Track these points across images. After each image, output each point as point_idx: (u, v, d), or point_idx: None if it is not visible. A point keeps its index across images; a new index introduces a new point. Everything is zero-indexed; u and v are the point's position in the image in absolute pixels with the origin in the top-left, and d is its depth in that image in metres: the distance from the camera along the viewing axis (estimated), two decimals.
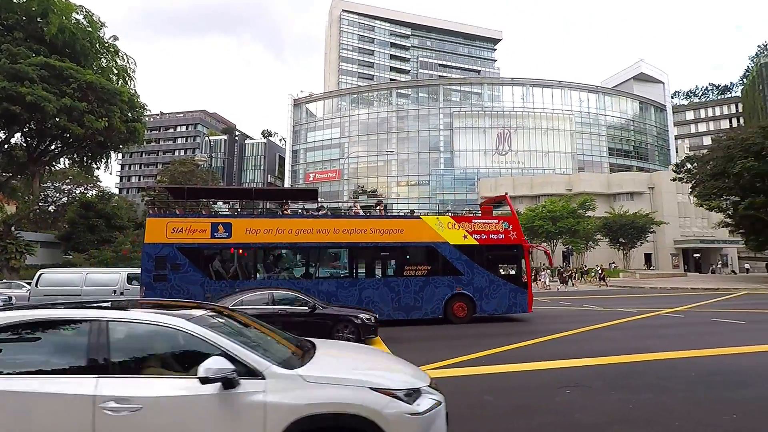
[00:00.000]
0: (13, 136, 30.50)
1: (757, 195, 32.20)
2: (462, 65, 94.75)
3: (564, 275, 34.06)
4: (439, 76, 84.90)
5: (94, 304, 3.40)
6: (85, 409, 2.71)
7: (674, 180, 41.00)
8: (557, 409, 5.14)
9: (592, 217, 43.87)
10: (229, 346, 3.02)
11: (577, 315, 15.02)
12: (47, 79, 25.33)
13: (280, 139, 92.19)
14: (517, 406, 5.29)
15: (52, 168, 36.75)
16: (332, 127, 68.42)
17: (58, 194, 50.41)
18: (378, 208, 15.89)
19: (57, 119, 25.90)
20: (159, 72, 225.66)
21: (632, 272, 43.11)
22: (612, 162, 64.82)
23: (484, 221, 13.84)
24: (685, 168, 37.98)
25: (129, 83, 32.13)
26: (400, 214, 15.91)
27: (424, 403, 3.13)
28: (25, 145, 31.31)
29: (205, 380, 2.76)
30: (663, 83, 75.27)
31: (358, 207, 15.70)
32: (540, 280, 31.42)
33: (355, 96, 70.79)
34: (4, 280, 22.17)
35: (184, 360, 3.04)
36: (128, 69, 32.22)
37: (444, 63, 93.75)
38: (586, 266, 43.31)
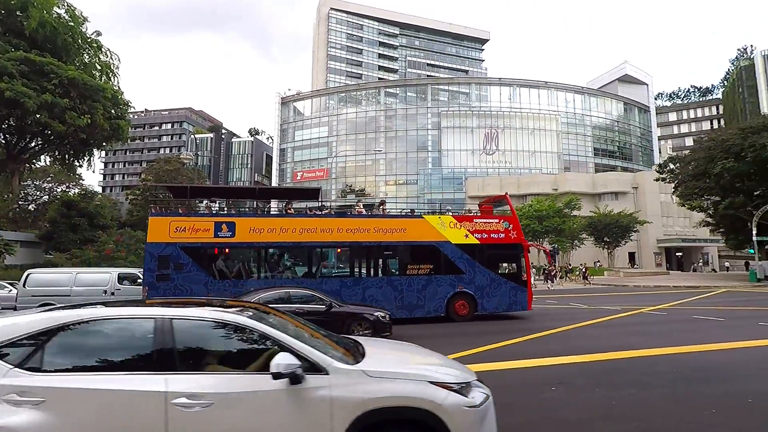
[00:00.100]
0: None
1: (736, 195, 32.97)
2: (450, 65, 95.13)
3: (551, 274, 34.46)
4: (427, 75, 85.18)
5: (158, 303, 3.47)
6: (158, 405, 2.76)
7: (657, 180, 41.77)
8: (543, 406, 5.21)
9: (578, 217, 44.45)
10: (292, 342, 3.09)
11: (564, 313, 15.21)
12: (27, 75, 24.73)
13: (268, 138, 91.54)
14: (504, 404, 5.32)
15: (33, 165, 35.95)
16: (320, 125, 68.14)
17: (38, 192, 49.34)
18: (381, 208, 15.94)
19: (37, 116, 25.32)
20: (144, 69, 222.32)
21: (616, 271, 43.83)
22: (597, 162, 65.75)
23: (485, 221, 14.03)
24: (668, 168, 38.71)
25: (113, 80, 31.56)
26: (402, 213, 16.06)
27: (477, 395, 3.24)
28: (4, 142, 30.53)
29: (277, 376, 2.82)
30: (647, 85, 76.58)
31: (361, 206, 15.74)
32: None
33: (344, 95, 70.60)
34: None
35: (247, 356, 3.11)
36: (112, 65, 31.64)
37: (432, 63, 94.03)
38: (570, 265, 43.88)
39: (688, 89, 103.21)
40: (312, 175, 66.31)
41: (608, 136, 68.87)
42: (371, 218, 14.10)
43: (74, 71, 26.23)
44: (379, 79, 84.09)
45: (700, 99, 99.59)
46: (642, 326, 11.70)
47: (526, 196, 52.88)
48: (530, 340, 9.66)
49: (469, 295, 13.36)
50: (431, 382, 3.12)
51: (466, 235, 13.61)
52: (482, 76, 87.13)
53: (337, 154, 64.44)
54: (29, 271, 16.02)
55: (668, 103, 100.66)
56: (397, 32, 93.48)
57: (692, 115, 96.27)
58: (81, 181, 53.12)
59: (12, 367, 2.78)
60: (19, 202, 38.87)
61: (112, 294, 15.07)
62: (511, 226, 14.03)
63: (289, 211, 14.16)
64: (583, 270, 35.56)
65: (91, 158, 33.74)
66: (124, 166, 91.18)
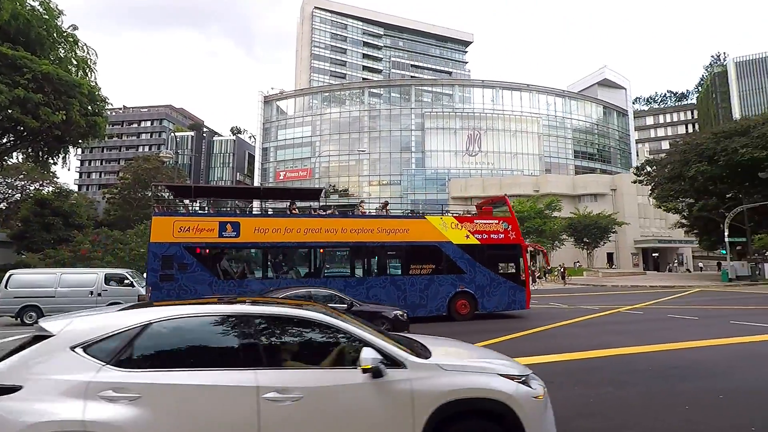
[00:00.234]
0: None
1: (709, 197, 34.00)
2: (434, 66, 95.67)
3: (535, 275, 34.91)
4: (411, 76, 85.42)
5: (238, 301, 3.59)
6: (251, 399, 2.84)
7: (635, 182, 42.76)
8: None
9: (558, 218, 45.20)
10: (371, 338, 3.21)
11: (544, 313, 15.42)
12: None
13: (250, 137, 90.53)
14: None
15: (4, 163, 34.72)
16: (303, 125, 67.67)
17: (10, 190, 47.88)
18: (384, 209, 15.99)
19: (9, 111, 24.46)
20: (123, 66, 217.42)
21: (595, 271, 44.68)
22: (577, 164, 66.96)
23: (485, 221, 14.32)
24: (645, 171, 39.67)
25: (90, 75, 30.65)
26: (405, 213, 16.24)
27: (538, 387, 3.40)
28: None
29: (366, 370, 2.93)
30: (625, 89, 78.36)
31: (364, 207, 15.80)
32: None
33: (327, 94, 70.29)
34: None
35: (326, 352, 3.21)
36: (89, 60, 30.72)
37: (416, 64, 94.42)
38: (549, 266, 44.58)
39: (665, 94, 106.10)
40: (295, 174, 65.80)
41: (588, 139, 70.21)
42: (375, 219, 14.29)
43: (49, 66, 25.41)
44: (363, 79, 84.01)
45: (676, 104, 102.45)
46: (620, 325, 11.96)
47: (509, 198, 53.43)
48: (516, 339, 9.80)
49: (470, 295, 13.61)
50: (500, 375, 3.28)
51: (467, 236, 13.88)
52: (465, 77, 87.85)
53: (321, 154, 64.12)
54: (11, 271, 15.47)
55: (645, 108, 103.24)
56: (382, 33, 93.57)
57: (668, 120, 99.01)
58: (55, 179, 51.65)
59: (104, 364, 2.81)
60: None
61: (99, 295, 14.67)
62: (510, 226, 14.36)
63: (293, 211, 14.29)
64: (562, 270, 36.18)
65: (66, 155, 32.64)
66: (102, 164, 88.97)
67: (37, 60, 25.51)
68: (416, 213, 15.60)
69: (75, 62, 30.30)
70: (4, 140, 30.10)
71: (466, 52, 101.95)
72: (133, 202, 48.75)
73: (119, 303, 13.94)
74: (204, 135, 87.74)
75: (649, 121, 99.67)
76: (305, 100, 70.56)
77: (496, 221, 14.43)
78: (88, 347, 2.85)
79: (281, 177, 66.58)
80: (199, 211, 15.02)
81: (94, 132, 30.01)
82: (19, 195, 46.51)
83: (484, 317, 13.67)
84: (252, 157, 79.51)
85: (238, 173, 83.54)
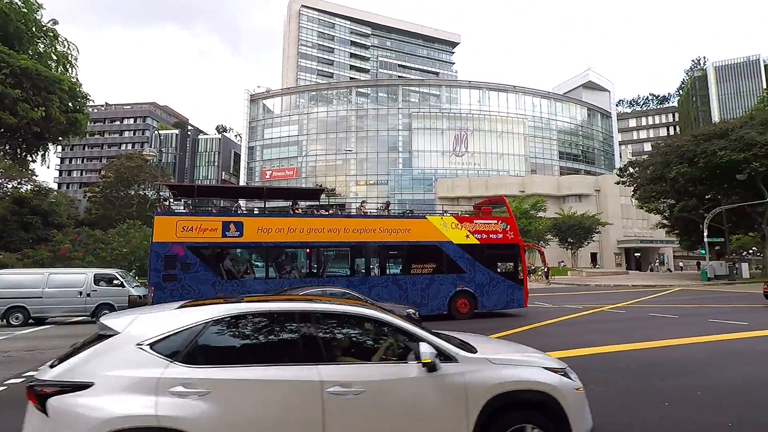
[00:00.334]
0: None
1: (689, 198, 34.76)
2: (421, 66, 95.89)
3: None
4: (399, 76, 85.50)
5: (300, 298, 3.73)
6: (315, 394, 2.93)
7: (618, 183, 43.48)
8: None
9: (543, 218, 45.70)
10: (424, 334, 3.33)
11: (530, 312, 15.52)
12: None
13: (236, 135, 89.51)
14: None
15: None
16: (290, 124, 67.22)
17: None
18: (386, 209, 16.11)
19: None
20: (105, 62, 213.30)
21: (579, 270, 45.31)
22: (562, 165, 67.79)
23: (484, 221, 14.54)
24: (628, 172, 40.37)
25: (70, 71, 29.98)
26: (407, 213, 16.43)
27: (576, 379, 3.57)
28: None
29: (425, 364, 3.07)
30: (609, 92, 79.63)
31: (366, 207, 15.82)
32: None
33: (314, 93, 69.94)
34: None
35: (379, 347, 3.35)
36: (69, 56, 30.04)
37: (403, 64, 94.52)
38: (533, 265, 45.09)
39: (647, 97, 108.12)
40: (282, 174, 65.33)
41: (572, 140, 71.14)
42: (377, 219, 14.42)
43: (27, 61, 24.77)
44: (351, 78, 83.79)
45: (658, 106, 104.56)
46: (602, 324, 12.16)
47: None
48: (502, 338, 9.80)
49: (470, 294, 13.81)
50: (544, 368, 3.46)
51: (467, 236, 14.09)
52: (452, 78, 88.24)
53: (308, 153, 63.77)
54: None
55: (629, 110, 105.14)
56: (369, 32, 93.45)
57: (651, 122, 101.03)
58: (34, 177, 50.43)
59: (171, 360, 2.88)
60: None
61: (88, 296, 14.38)
62: (508, 226, 14.62)
63: (296, 211, 14.34)
64: (545, 270, 36.63)
65: (46, 153, 31.84)
66: (83, 161, 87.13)
67: (16, 55, 24.85)
68: (416, 213, 15.72)
69: (55, 57, 29.63)
70: None
71: (453, 53, 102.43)
72: (115, 200, 47.87)
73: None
74: (189, 133, 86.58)
75: (632, 123, 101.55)
76: (292, 99, 70.10)
77: (495, 221, 14.67)
78: (154, 344, 2.92)
79: (267, 176, 66.05)
80: (201, 211, 15.05)
81: (75, 129, 29.36)
82: None
83: (481, 316, 13.84)
84: (238, 156, 78.67)
85: (223, 172, 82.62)
